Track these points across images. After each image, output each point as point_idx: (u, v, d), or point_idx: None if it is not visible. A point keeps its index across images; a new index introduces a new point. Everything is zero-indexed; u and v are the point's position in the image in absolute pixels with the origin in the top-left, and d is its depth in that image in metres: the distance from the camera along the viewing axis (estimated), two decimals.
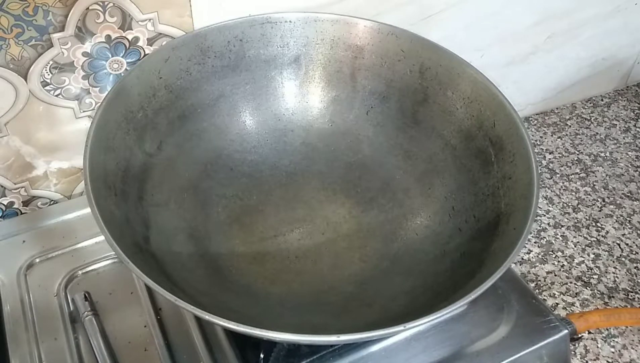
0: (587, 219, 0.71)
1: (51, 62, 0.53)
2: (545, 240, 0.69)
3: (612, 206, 0.73)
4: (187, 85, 0.54)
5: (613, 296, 0.63)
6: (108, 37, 0.54)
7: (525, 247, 0.68)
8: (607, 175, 0.78)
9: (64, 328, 0.50)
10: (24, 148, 0.57)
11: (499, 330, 0.51)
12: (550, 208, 0.73)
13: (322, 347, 0.48)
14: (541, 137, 0.84)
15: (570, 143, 0.83)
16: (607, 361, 0.57)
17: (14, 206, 0.61)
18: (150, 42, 0.56)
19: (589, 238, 0.69)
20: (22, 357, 0.49)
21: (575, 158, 0.80)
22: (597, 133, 0.85)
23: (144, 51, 0.56)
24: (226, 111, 0.57)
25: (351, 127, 0.59)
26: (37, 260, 0.56)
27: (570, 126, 0.86)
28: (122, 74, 0.56)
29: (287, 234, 0.55)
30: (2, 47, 0.50)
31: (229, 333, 0.49)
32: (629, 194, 0.75)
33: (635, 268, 0.66)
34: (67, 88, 0.55)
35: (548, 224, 0.71)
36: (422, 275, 0.49)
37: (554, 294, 0.63)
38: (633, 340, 0.59)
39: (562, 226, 0.71)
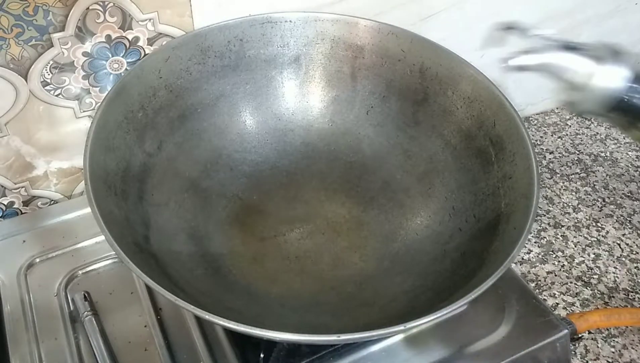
0: (587, 219, 0.71)
1: (51, 62, 0.53)
2: (545, 239, 0.69)
3: (612, 206, 0.73)
4: (187, 85, 0.54)
5: (613, 296, 0.63)
6: (108, 37, 0.54)
7: (525, 247, 0.68)
8: (607, 175, 0.78)
9: (64, 328, 0.50)
10: (24, 147, 0.57)
11: (499, 330, 0.51)
12: (551, 208, 0.73)
13: (322, 346, 0.48)
14: (541, 137, 0.84)
15: (571, 143, 0.83)
16: (607, 361, 0.57)
17: (14, 206, 0.61)
18: (151, 42, 0.56)
19: (589, 238, 0.69)
20: (22, 357, 0.49)
21: (576, 158, 0.80)
22: (598, 133, 0.85)
23: (144, 50, 0.56)
24: (226, 111, 0.57)
25: (351, 127, 0.59)
26: (37, 260, 0.56)
27: (570, 126, 0.86)
28: (122, 74, 0.56)
29: (287, 234, 0.55)
30: (3, 47, 0.50)
31: (229, 333, 0.49)
32: (629, 194, 0.75)
33: (635, 268, 0.66)
34: (67, 88, 0.55)
35: (548, 224, 0.71)
36: (422, 275, 0.49)
37: (554, 294, 0.63)
38: (633, 340, 0.59)
39: (562, 226, 0.71)
